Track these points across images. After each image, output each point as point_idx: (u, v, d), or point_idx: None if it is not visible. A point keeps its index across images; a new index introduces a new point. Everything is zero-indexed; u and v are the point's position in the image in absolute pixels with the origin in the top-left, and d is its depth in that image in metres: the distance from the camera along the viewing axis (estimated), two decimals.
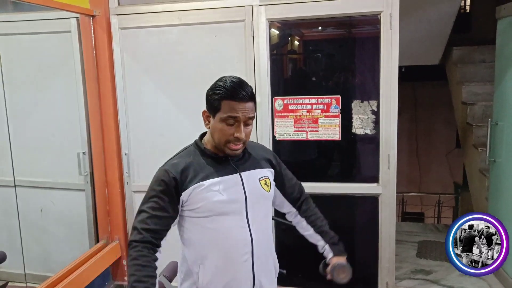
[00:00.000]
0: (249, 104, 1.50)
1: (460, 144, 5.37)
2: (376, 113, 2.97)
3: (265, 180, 1.63)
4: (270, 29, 3.02)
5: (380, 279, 3.16)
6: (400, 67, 7.95)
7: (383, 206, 3.06)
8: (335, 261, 1.78)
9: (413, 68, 7.70)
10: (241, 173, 1.57)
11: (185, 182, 1.51)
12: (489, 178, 3.85)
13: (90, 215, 3.40)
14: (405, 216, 7.57)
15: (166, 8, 3.11)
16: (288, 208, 1.83)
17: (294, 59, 3.29)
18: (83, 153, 3.31)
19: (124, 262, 3.46)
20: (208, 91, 1.54)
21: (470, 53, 5.18)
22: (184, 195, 1.51)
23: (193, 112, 3.18)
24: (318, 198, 3.13)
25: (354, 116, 3.01)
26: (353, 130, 3.03)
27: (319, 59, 3.20)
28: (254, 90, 2.98)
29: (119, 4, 3.19)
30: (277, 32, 3.15)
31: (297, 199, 1.83)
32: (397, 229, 4.64)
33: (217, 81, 1.54)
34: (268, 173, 1.67)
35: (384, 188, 3.04)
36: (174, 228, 1.66)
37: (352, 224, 3.29)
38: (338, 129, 3.02)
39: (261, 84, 3.05)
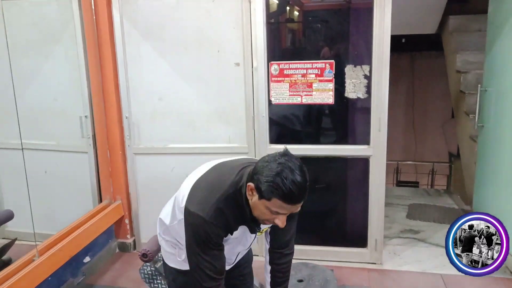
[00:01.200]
0: (298, 206, 1.44)
1: (453, 112, 5.47)
2: (369, 77, 3.07)
3: (263, 229, 1.71)
4: None
5: (369, 237, 3.33)
6: (400, 38, 8.00)
7: (373, 167, 3.20)
8: None
9: (411, 38, 7.76)
10: (257, 232, 1.67)
11: (228, 232, 1.57)
12: (477, 143, 3.97)
13: (93, 177, 3.54)
14: (399, 184, 7.73)
15: None
16: (267, 244, 1.82)
17: (290, 25, 3.36)
18: (85, 116, 3.42)
19: (127, 221, 3.62)
20: (261, 175, 1.40)
21: (466, 22, 5.23)
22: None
23: (191, 76, 3.30)
24: (312, 160, 3.30)
25: (347, 81, 3.11)
26: (346, 94, 3.13)
27: (314, 25, 3.27)
28: (251, 55, 3.08)
29: None
30: None
31: (278, 247, 1.79)
32: (389, 193, 4.83)
33: (276, 173, 1.37)
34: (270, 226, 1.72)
35: (375, 150, 3.16)
36: (171, 189, 1.82)
37: (344, 184, 3.43)
38: (331, 93, 3.13)
39: (258, 49, 3.13)
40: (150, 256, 2.72)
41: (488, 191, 3.69)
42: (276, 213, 1.42)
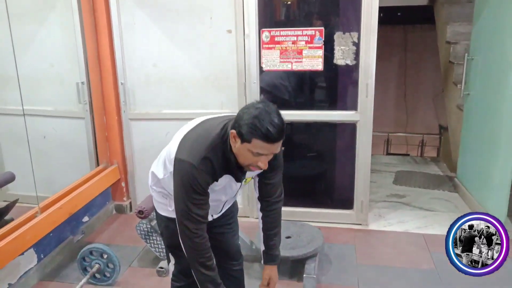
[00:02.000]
0: (278, 144, 1.55)
1: (442, 83, 5.59)
2: (357, 44, 3.17)
3: (247, 178, 1.82)
4: None
5: (355, 199, 3.49)
6: (393, 10, 7.98)
7: (360, 132, 3.33)
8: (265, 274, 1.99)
9: (405, 11, 7.79)
10: (242, 181, 1.78)
11: (215, 179, 1.67)
12: (463, 111, 4.10)
13: (90, 142, 3.66)
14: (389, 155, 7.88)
15: None
16: (257, 193, 1.93)
17: None
18: (82, 82, 3.51)
19: (123, 184, 3.76)
20: (241, 120, 1.53)
21: None
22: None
23: (184, 43, 3.39)
24: (301, 125, 3.43)
25: (336, 48, 3.20)
26: (335, 61, 3.23)
27: None
28: (243, 22, 3.15)
29: None
30: None
31: (268, 196, 1.91)
32: (377, 160, 4.99)
33: (254, 116, 1.50)
34: (257, 173, 1.82)
35: (362, 115, 3.29)
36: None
37: (332, 149, 3.57)
38: (321, 60, 3.23)
39: (249, 16, 3.21)
40: (146, 213, 2.88)
41: (471, 157, 3.84)
42: (258, 154, 1.54)
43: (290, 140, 3.57)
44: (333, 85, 3.37)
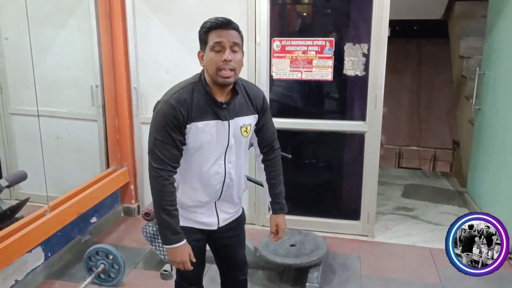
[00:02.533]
0: (232, 32, 1.65)
1: (454, 97, 5.56)
2: (367, 55, 3.19)
3: (246, 127, 1.82)
4: None
5: (362, 210, 3.49)
6: (408, 24, 7.98)
7: (368, 143, 3.34)
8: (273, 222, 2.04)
9: (419, 24, 7.78)
10: (230, 120, 1.76)
11: (189, 118, 1.68)
12: (474, 125, 4.08)
13: (102, 144, 3.73)
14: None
15: None
16: (257, 150, 1.99)
17: (293, 3, 3.47)
18: (96, 86, 3.60)
19: (132, 187, 3.82)
20: (198, 32, 1.71)
21: (472, 8, 5.27)
22: (187, 128, 1.70)
23: (197, 50, 3.43)
24: (310, 134, 3.45)
25: (346, 58, 3.23)
26: (345, 71, 3.26)
27: (316, 4, 3.39)
28: (254, 31, 3.22)
29: None
30: None
31: (266, 145, 1.96)
32: (386, 173, 4.98)
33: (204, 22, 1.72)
34: (252, 120, 1.85)
35: (370, 126, 3.30)
36: None
37: (340, 159, 3.58)
38: (330, 70, 3.26)
39: (261, 25, 3.27)
40: (153, 215, 2.92)
41: (482, 171, 3.81)
42: (218, 46, 1.63)
43: (298, 149, 3.60)
44: (342, 95, 3.40)
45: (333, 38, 3.20)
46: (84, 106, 3.68)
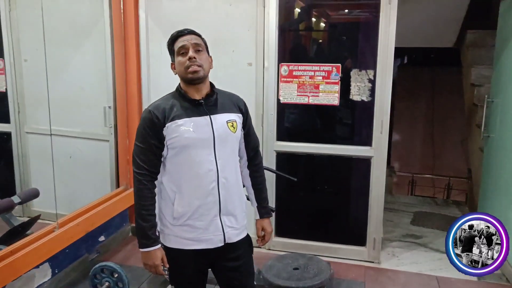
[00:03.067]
0: (192, 36, 1.84)
1: (466, 125, 5.54)
2: (373, 81, 3.24)
3: (232, 123, 1.89)
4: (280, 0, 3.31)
5: (368, 235, 3.46)
6: (426, 53, 8.01)
7: (374, 168, 3.35)
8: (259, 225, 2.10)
9: (432, 53, 7.84)
10: (211, 116, 1.84)
11: (165, 120, 1.77)
12: (484, 153, 4.06)
13: (113, 164, 3.81)
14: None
15: None
16: (244, 156, 2.03)
17: (300, 29, 3.56)
18: (109, 107, 3.71)
19: None
20: (167, 46, 1.92)
21: (483, 37, 5.30)
22: (165, 131, 1.77)
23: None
24: (316, 158, 3.48)
25: (352, 84, 3.28)
26: (351, 97, 3.30)
27: (323, 30, 3.48)
28: (263, 56, 3.29)
29: None
30: (286, 4, 3.42)
31: (253, 149, 2.04)
32: (396, 200, 4.95)
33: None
34: (236, 117, 1.92)
35: (376, 151, 3.32)
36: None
37: (347, 183, 3.58)
38: (337, 95, 3.31)
39: (269, 50, 3.35)
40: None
41: (491, 199, 3.77)
42: (183, 49, 1.81)
43: (305, 173, 3.62)
44: (348, 120, 3.43)
45: (339, 64, 3.26)
46: (97, 126, 3.78)
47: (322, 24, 3.55)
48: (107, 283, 2.88)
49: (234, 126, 1.88)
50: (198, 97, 1.84)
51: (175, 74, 1.89)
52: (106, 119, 3.72)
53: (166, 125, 1.77)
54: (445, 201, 5.23)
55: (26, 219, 3.63)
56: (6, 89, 3.92)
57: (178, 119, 1.77)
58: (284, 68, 3.36)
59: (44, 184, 3.72)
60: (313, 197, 3.65)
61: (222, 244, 1.89)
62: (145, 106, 3.68)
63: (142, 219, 1.78)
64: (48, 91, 3.28)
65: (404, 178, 7.79)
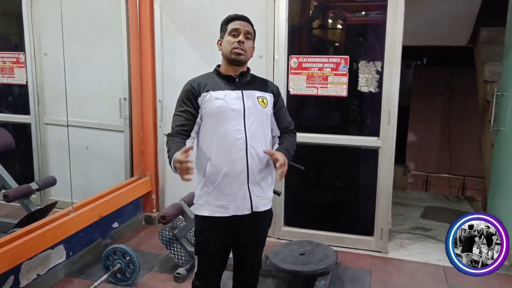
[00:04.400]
0: (246, 23, 2.03)
1: (480, 121, 5.52)
2: (380, 73, 3.29)
3: (263, 99, 2.06)
4: None
5: (376, 225, 3.50)
6: (442, 53, 7.89)
7: (382, 158, 3.39)
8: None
9: (449, 52, 7.78)
10: (243, 90, 2.02)
11: (201, 91, 1.99)
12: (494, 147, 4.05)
13: (127, 154, 3.94)
14: None
15: None
16: (277, 134, 2.21)
17: (310, 22, 3.64)
18: (124, 99, 3.84)
19: (154, 196, 3.99)
20: (220, 23, 2.09)
21: (496, 34, 5.27)
22: (200, 100, 1.99)
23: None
24: (325, 149, 3.54)
25: (360, 75, 3.34)
26: (359, 88, 3.36)
27: (332, 23, 3.54)
28: (273, 48, 3.37)
29: None
30: None
31: (284, 128, 2.20)
32: (408, 196, 4.95)
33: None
34: (267, 96, 2.09)
35: (384, 142, 3.36)
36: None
37: (355, 174, 3.63)
38: (345, 86, 3.37)
39: (279, 43, 3.44)
40: (168, 218, 3.06)
41: (501, 193, 3.76)
42: (234, 31, 2.00)
43: (313, 163, 3.67)
44: (356, 111, 3.49)
45: (347, 56, 3.32)
46: (113, 117, 3.92)
47: (331, 16, 3.62)
48: (119, 265, 2.99)
49: (264, 102, 2.06)
50: (233, 74, 2.03)
51: (219, 50, 2.07)
52: (122, 110, 3.86)
53: (202, 95, 1.98)
54: (457, 197, 5.21)
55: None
56: (26, 81, 4.09)
57: (213, 91, 1.98)
58: (294, 60, 3.44)
59: (62, 173, 3.85)
60: (321, 187, 3.71)
61: (249, 212, 2.03)
62: (159, 98, 3.82)
63: (169, 154, 1.93)
64: (65, 84, 3.43)
65: (419, 178, 7.74)
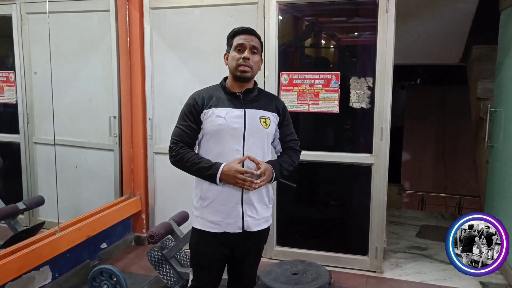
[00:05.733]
0: (252, 37, 1.98)
1: (473, 139, 5.50)
2: (372, 89, 3.27)
3: (265, 119, 2.01)
4: (279, 11, 3.39)
5: (370, 244, 3.43)
6: (437, 72, 7.86)
7: (375, 175, 3.34)
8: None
9: (442, 71, 7.84)
10: (246, 109, 1.97)
11: (203, 106, 1.96)
12: (488, 163, 4.02)
13: (117, 172, 3.87)
14: None
15: None
16: (278, 150, 2.19)
17: (300, 38, 3.63)
18: (114, 117, 3.79)
19: (143, 216, 3.90)
20: (227, 36, 2.04)
21: (488, 51, 5.30)
22: (202, 116, 1.96)
23: (209, 82, 3.58)
24: (317, 166, 3.49)
25: (352, 91, 3.32)
26: (351, 104, 3.33)
27: (323, 40, 3.54)
28: (263, 65, 3.34)
29: None
30: (286, 14, 3.50)
31: (287, 146, 2.17)
32: (401, 214, 4.89)
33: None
34: (271, 116, 2.04)
35: (377, 158, 3.32)
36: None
37: (348, 191, 3.57)
38: (337, 102, 3.34)
39: (270, 60, 3.42)
40: (157, 238, 2.98)
41: (497, 209, 3.71)
42: (240, 47, 1.95)
43: (305, 181, 3.62)
44: (348, 127, 3.45)
45: (338, 72, 3.30)
46: (103, 136, 3.86)
47: (322, 34, 3.61)
48: (105, 286, 2.88)
49: (266, 122, 2.01)
50: (238, 91, 1.99)
51: (226, 65, 2.03)
52: (111, 128, 3.80)
53: (204, 111, 1.95)
54: (453, 216, 5.14)
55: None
56: (16, 101, 4.05)
57: (215, 108, 1.94)
58: (285, 77, 3.42)
59: (51, 193, 3.76)
60: (314, 205, 3.64)
61: (241, 231, 2.00)
62: (149, 115, 3.77)
63: (192, 165, 1.93)
64: (53, 103, 3.38)
65: (414, 197, 7.68)
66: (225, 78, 2.07)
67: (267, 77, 3.43)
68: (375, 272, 3.44)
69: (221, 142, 1.94)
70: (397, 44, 3.22)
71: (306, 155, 3.46)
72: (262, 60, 2.06)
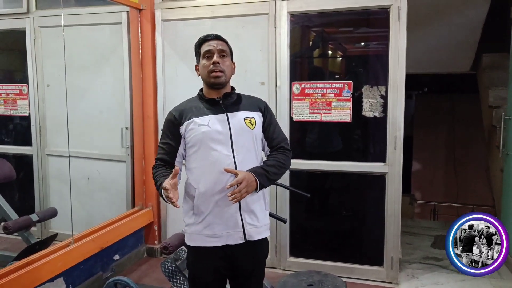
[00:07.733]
0: (219, 42, 1.94)
1: (486, 147, 5.45)
2: (385, 97, 3.25)
3: (250, 120, 1.95)
4: (290, 21, 3.40)
5: (385, 254, 3.38)
6: (447, 81, 7.81)
7: (389, 184, 3.31)
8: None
9: (451, 79, 7.80)
10: (228, 113, 1.92)
11: (183, 119, 1.91)
12: (504, 172, 3.97)
13: (129, 184, 3.87)
14: None
15: (201, 3, 3.60)
16: (266, 150, 2.07)
17: (311, 48, 3.64)
18: (126, 128, 3.81)
19: (156, 227, 3.89)
20: (194, 48, 2.02)
21: (499, 59, 5.28)
22: (181, 129, 1.91)
23: None
24: (331, 176, 3.46)
25: (364, 100, 3.30)
26: (363, 113, 3.32)
27: (334, 48, 3.54)
28: (275, 75, 3.37)
29: None
30: (297, 24, 3.51)
31: (275, 146, 2.03)
32: (415, 224, 4.83)
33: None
34: (256, 116, 1.97)
35: (391, 167, 3.29)
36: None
37: (361, 201, 3.54)
38: (349, 111, 3.33)
39: (281, 69, 3.42)
40: (171, 249, 2.94)
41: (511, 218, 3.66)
42: (208, 53, 1.92)
43: (319, 191, 3.59)
44: (361, 136, 3.43)
45: (351, 81, 3.29)
46: (115, 147, 3.88)
47: (333, 43, 3.62)
48: None
49: (252, 123, 1.94)
50: (216, 97, 1.95)
51: (198, 76, 2.00)
52: (123, 140, 3.81)
53: (184, 123, 1.89)
54: None
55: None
56: (29, 113, 4.08)
57: (196, 117, 1.89)
58: (296, 86, 3.42)
59: (63, 204, 3.80)
60: (328, 215, 3.61)
61: (243, 241, 1.91)
62: (160, 127, 3.77)
63: (157, 185, 1.89)
64: (67, 115, 3.39)
65: (426, 207, 7.60)
66: (201, 89, 2.03)
67: (279, 87, 3.43)
68: (391, 283, 3.39)
69: (209, 150, 1.86)
70: (407, 53, 3.20)
71: (319, 165, 3.46)
72: (234, 63, 2.02)
